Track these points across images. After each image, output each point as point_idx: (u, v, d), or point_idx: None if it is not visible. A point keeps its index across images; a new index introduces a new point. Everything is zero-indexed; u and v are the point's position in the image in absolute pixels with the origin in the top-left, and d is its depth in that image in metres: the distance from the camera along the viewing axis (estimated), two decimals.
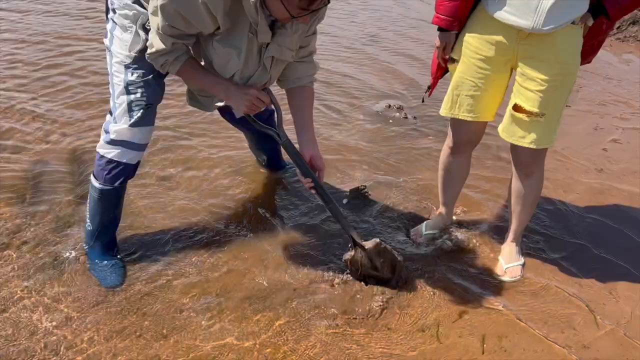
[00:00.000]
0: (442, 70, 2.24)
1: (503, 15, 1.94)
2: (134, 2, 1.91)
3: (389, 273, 2.19)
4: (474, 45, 2.06)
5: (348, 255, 2.15)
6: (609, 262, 2.48)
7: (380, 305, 2.13)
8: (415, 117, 3.65)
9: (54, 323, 1.93)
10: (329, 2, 1.77)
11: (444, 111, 2.22)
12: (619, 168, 3.27)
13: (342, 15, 5.85)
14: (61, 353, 1.82)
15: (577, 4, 1.88)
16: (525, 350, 2.01)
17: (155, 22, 1.77)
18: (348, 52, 4.79)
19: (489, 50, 2.04)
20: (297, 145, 2.10)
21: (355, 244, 2.13)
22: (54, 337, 1.87)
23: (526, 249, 2.48)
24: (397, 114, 3.67)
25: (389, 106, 3.74)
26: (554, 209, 2.81)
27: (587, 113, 3.92)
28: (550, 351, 2.02)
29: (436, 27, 2.07)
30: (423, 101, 2.26)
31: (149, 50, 1.87)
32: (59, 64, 3.82)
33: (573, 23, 1.93)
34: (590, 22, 1.97)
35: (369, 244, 2.11)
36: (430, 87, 2.34)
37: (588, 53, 2.10)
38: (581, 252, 2.54)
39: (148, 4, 1.83)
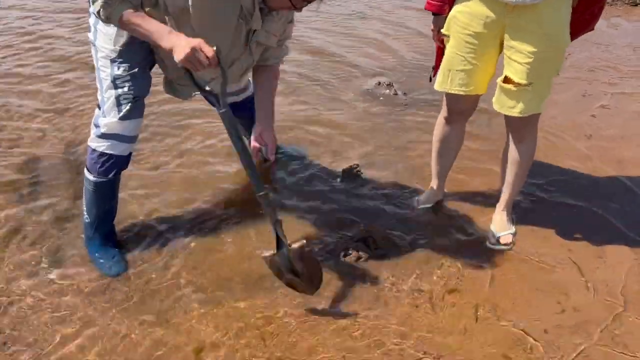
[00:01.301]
0: (442, 49, 2.28)
1: None
2: None
3: (307, 282, 2.01)
4: (462, 21, 2.09)
5: (268, 253, 1.95)
6: (599, 228, 2.54)
7: (374, 277, 2.19)
8: (405, 94, 3.67)
9: (60, 314, 1.98)
10: None
11: (437, 85, 2.27)
12: (608, 134, 3.31)
13: None
14: (69, 342, 1.88)
15: None
16: (518, 317, 2.07)
17: None
18: (337, 28, 4.79)
19: (477, 26, 2.07)
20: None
21: (279, 243, 1.94)
22: (61, 327, 1.93)
23: (517, 217, 2.53)
24: (387, 90, 3.69)
25: (379, 83, 3.76)
26: (544, 177, 2.86)
27: (575, 80, 3.95)
28: (542, 315, 2.08)
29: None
30: (430, 80, 2.31)
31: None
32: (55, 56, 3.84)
33: None
34: None
35: (294, 245, 1.92)
36: (435, 67, 2.37)
37: (588, 21, 2.12)
38: (571, 218, 2.59)
39: None
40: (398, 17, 5.16)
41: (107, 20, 1.78)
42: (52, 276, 2.13)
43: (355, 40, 4.56)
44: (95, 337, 1.90)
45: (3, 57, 3.87)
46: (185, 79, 1.88)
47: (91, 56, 2.08)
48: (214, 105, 1.89)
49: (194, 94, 2.14)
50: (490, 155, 2.95)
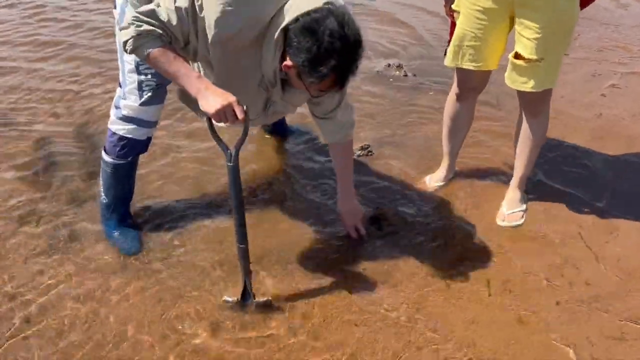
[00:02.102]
0: (455, 25, 2.28)
1: None
2: None
3: None
4: None
5: (230, 299, 1.98)
6: (609, 205, 2.55)
7: (385, 255, 2.23)
8: (415, 75, 3.68)
9: (78, 291, 2.02)
10: (343, 87, 1.79)
11: (447, 61, 2.29)
12: (618, 112, 3.31)
13: None
14: (86, 318, 1.92)
15: None
16: (529, 290, 2.10)
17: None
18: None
19: (486, 1, 2.07)
20: None
21: (245, 293, 1.98)
22: (80, 304, 1.97)
23: (528, 195, 2.55)
24: (397, 72, 3.70)
25: (389, 65, 3.76)
26: (554, 155, 2.87)
27: (585, 60, 3.93)
28: (553, 289, 2.11)
29: None
30: (445, 54, 2.32)
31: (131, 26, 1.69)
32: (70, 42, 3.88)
33: None
34: None
35: (260, 299, 1.97)
36: (449, 41, 2.37)
37: None
38: (582, 195, 2.60)
39: None
40: None
41: (133, 53, 1.72)
42: (68, 254, 2.17)
43: (365, 21, 4.55)
44: (110, 314, 1.94)
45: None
46: (200, 117, 1.90)
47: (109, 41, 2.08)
48: (224, 153, 1.84)
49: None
50: (503, 134, 2.96)
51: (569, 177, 2.72)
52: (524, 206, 2.48)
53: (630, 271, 2.20)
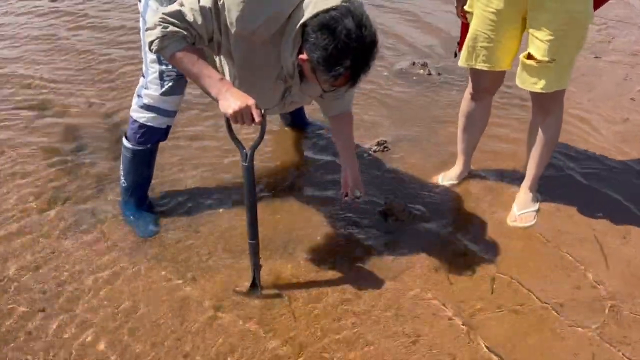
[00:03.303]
0: (467, 25, 2.30)
1: None
2: None
3: None
4: None
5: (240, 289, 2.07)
6: (626, 209, 2.52)
7: (390, 249, 2.26)
8: (439, 74, 3.68)
9: (94, 267, 2.13)
10: (355, 84, 1.81)
11: (462, 62, 2.30)
12: None
13: None
14: (100, 292, 2.03)
15: None
16: (534, 289, 2.10)
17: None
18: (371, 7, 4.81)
19: (499, 3, 2.08)
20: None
21: (254, 284, 2.06)
22: (96, 279, 2.08)
23: (543, 195, 2.54)
24: (421, 70, 3.71)
25: (413, 63, 3.78)
26: (574, 155, 2.87)
27: (617, 64, 3.86)
28: (559, 289, 2.10)
29: None
30: (455, 55, 2.34)
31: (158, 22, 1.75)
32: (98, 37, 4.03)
33: None
34: None
35: (266, 292, 2.06)
36: (459, 43, 2.40)
37: None
38: (599, 198, 2.58)
39: None
40: None
41: (158, 52, 1.78)
42: (90, 233, 2.28)
43: (392, 19, 4.57)
44: (124, 291, 2.04)
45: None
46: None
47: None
48: (240, 153, 1.89)
49: None
50: (519, 134, 2.94)
51: (586, 178, 2.70)
52: (536, 206, 2.47)
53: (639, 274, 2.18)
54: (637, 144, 2.97)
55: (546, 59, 2.05)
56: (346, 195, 2.20)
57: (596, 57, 3.89)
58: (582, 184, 2.67)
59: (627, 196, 2.59)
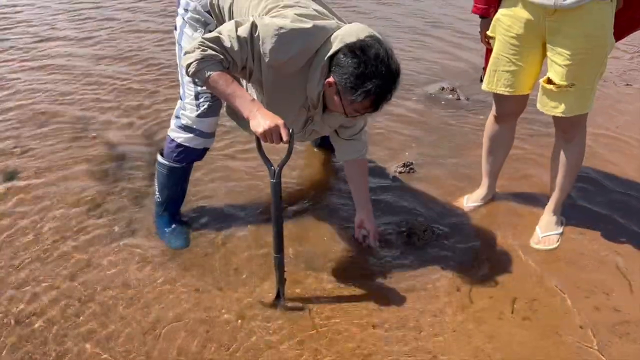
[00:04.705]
0: (491, 51, 2.36)
1: None
2: (206, 11, 2.16)
3: None
4: (506, 23, 2.18)
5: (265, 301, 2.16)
6: None
7: (411, 268, 2.32)
8: (467, 98, 3.74)
9: (126, 276, 2.24)
10: (377, 110, 1.93)
11: (484, 86, 2.37)
12: None
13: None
14: (131, 301, 2.13)
15: None
16: (554, 311, 2.12)
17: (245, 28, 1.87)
18: (402, 33, 4.92)
19: (519, 28, 2.15)
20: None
21: (278, 297, 2.15)
22: (126, 288, 2.19)
23: (568, 218, 2.56)
24: (450, 95, 3.78)
25: (442, 89, 3.85)
26: (600, 180, 2.89)
27: None
28: (578, 312, 2.11)
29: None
30: (481, 80, 2.41)
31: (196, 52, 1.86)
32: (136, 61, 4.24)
33: None
34: None
35: (290, 304, 2.14)
36: (484, 68, 2.46)
37: (638, 21, 2.16)
38: (625, 223, 2.58)
39: (221, 13, 2.10)
40: (465, 24, 5.18)
41: (194, 76, 1.88)
42: (124, 245, 2.40)
43: (424, 47, 4.66)
44: (154, 298, 2.14)
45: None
46: (243, 131, 2.16)
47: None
48: (268, 170, 1.99)
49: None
50: (544, 158, 2.97)
51: (611, 203, 2.71)
52: (560, 230, 2.49)
53: None
54: None
55: (565, 83, 2.09)
56: (362, 242, 2.35)
57: (627, 85, 3.89)
58: (607, 207, 2.68)
59: None
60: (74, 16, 5.03)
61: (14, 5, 5.23)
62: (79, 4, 5.34)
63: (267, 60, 1.87)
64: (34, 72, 3.93)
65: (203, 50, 1.84)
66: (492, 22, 2.23)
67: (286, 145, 1.90)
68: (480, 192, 2.70)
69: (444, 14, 5.59)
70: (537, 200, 2.69)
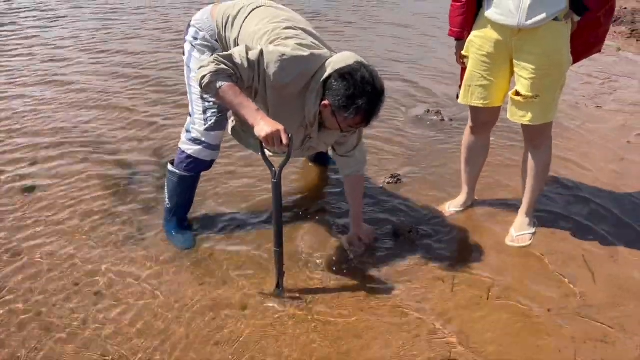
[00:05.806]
0: (465, 70, 2.64)
1: (495, 16, 2.36)
2: (214, 40, 2.45)
3: None
4: (477, 43, 2.49)
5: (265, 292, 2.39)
6: (621, 235, 2.78)
7: (402, 263, 2.57)
8: (451, 120, 4.04)
9: (138, 273, 2.48)
10: (368, 124, 2.22)
11: (461, 100, 2.66)
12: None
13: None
14: (142, 293, 2.37)
15: (553, 0, 2.25)
16: (525, 297, 2.36)
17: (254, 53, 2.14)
18: (391, 54, 5.24)
19: (490, 48, 2.45)
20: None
21: (277, 288, 2.38)
22: (139, 282, 2.43)
23: (541, 221, 2.83)
24: (435, 117, 4.07)
25: (428, 111, 4.15)
26: (571, 186, 3.17)
27: (617, 112, 4.16)
28: (547, 298, 2.36)
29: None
30: (457, 97, 2.69)
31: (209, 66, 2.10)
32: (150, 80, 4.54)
33: (557, 20, 2.30)
34: (576, 19, 2.35)
35: (288, 295, 2.37)
36: (460, 85, 2.75)
37: (593, 44, 2.46)
38: (590, 225, 2.85)
39: (227, 44, 2.40)
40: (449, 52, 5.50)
41: (206, 87, 2.10)
42: (135, 246, 2.64)
43: (412, 71, 4.97)
44: (163, 291, 2.38)
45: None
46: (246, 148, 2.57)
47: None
48: (270, 171, 2.23)
49: (257, 153, 2.42)
50: (517, 165, 3.22)
51: (581, 208, 2.98)
52: (533, 230, 2.75)
53: (623, 287, 2.42)
54: (630, 180, 3.25)
55: (530, 94, 2.39)
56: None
57: (597, 107, 4.21)
58: (576, 212, 2.95)
59: (622, 227, 2.85)
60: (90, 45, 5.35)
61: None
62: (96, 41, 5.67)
63: (270, 81, 2.16)
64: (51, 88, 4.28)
65: (217, 65, 2.11)
66: (466, 43, 2.54)
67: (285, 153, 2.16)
68: (461, 198, 2.96)
69: (431, 39, 5.94)
70: (512, 205, 2.95)
